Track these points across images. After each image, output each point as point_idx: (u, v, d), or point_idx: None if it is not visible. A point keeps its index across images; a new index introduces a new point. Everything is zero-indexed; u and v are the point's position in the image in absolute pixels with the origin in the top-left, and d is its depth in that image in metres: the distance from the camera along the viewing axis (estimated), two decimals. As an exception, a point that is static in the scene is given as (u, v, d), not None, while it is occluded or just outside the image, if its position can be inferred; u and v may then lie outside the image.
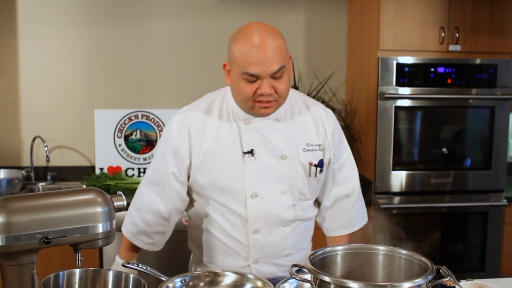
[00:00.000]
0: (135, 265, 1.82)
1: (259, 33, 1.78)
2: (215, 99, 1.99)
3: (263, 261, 1.97)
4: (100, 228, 1.45)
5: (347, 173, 2.08)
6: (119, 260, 2.05)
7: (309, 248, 2.13)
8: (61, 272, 1.65)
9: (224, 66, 1.90)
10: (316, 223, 2.16)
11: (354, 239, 2.29)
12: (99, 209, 1.44)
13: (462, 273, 2.31)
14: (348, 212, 2.13)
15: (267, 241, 1.94)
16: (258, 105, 1.82)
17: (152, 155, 3.90)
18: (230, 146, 1.89)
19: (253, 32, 1.79)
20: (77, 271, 1.67)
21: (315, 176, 1.96)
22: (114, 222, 1.48)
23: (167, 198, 1.97)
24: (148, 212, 2.00)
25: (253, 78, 1.77)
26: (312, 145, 1.96)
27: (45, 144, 3.76)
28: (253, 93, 1.79)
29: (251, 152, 1.89)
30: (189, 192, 2.01)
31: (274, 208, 1.92)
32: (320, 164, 1.96)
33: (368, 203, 3.03)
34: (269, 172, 1.90)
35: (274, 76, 1.78)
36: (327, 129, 1.99)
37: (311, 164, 1.94)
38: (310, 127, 1.97)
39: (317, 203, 2.13)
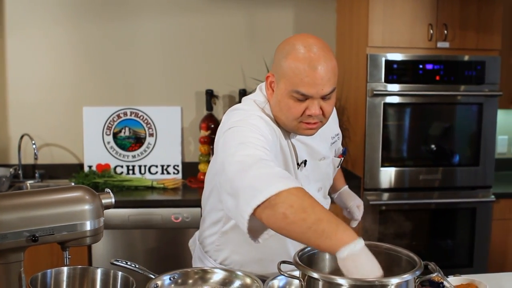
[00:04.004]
0: (124, 262, 1.81)
1: (315, 51, 1.69)
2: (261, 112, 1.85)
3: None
4: (88, 226, 1.44)
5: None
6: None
7: None
8: (48, 270, 1.63)
9: (267, 78, 1.81)
10: None
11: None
12: (86, 207, 1.44)
13: (450, 269, 2.32)
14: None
15: None
16: (304, 126, 1.76)
17: (140, 153, 3.89)
18: (287, 159, 1.85)
19: (309, 49, 1.69)
20: (65, 269, 1.66)
21: (338, 166, 2.09)
22: (102, 219, 1.47)
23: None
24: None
25: (303, 97, 1.70)
26: (333, 137, 2.04)
27: (33, 142, 3.74)
28: (301, 114, 1.73)
29: (304, 162, 1.89)
30: None
31: None
32: (344, 152, 2.08)
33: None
34: (311, 173, 1.94)
35: (324, 97, 1.72)
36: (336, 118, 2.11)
37: (340, 157, 2.06)
38: (333, 119, 2.04)
39: None
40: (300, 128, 1.77)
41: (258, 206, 1.43)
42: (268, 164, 1.54)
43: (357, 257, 1.31)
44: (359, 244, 1.33)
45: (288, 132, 1.85)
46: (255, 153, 1.58)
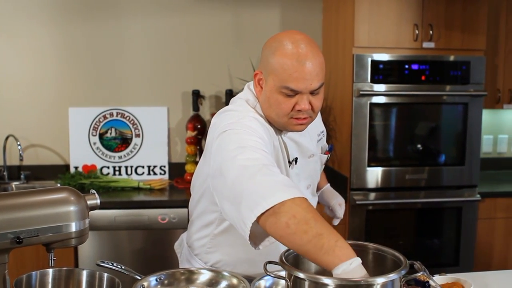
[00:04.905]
0: (110, 264, 1.81)
1: (303, 47, 1.69)
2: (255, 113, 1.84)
3: None
4: (73, 227, 1.44)
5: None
6: None
7: None
8: (33, 272, 1.62)
9: (255, 75, 1.81)
10: None
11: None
12: (72, 208, 1.43)
13: (436, 268, 2.33)
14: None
15: None
16: (294, 121, 1.76)
17: (127, 154, 3.87)
18: (279, 157, 1.85)
19: (297, 45, 1.70)
20: (50, 271, 1.64)
21: (325, 163, 2.11)
22: (87, 221, 1.47)
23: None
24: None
25: (293, 93, 1.71)
26: (319, 134, 2.06)
27: (18, 143, 3.71)
28: (291, 109, 1.73)
29: (295, 160, 1.89)
30: None
31: None
32: (331, 149, 2.10)
33: (344, 199, 3.04)
34: (302, 171, 1.94)
35: (312, 92, 1.73)
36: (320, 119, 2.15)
37: (327, 153, 2.08)
38: (317, 116, 2.06)
39: None
40: (290, 124, 1.78)
41: (262, 213, 1.43)
42: (272, 170, 1.53)
43: (350, 274, 1.32)
44: (355, 262, 1.34)
45: (279, 129, 1.85)
46: (255, 157, 1.56)
